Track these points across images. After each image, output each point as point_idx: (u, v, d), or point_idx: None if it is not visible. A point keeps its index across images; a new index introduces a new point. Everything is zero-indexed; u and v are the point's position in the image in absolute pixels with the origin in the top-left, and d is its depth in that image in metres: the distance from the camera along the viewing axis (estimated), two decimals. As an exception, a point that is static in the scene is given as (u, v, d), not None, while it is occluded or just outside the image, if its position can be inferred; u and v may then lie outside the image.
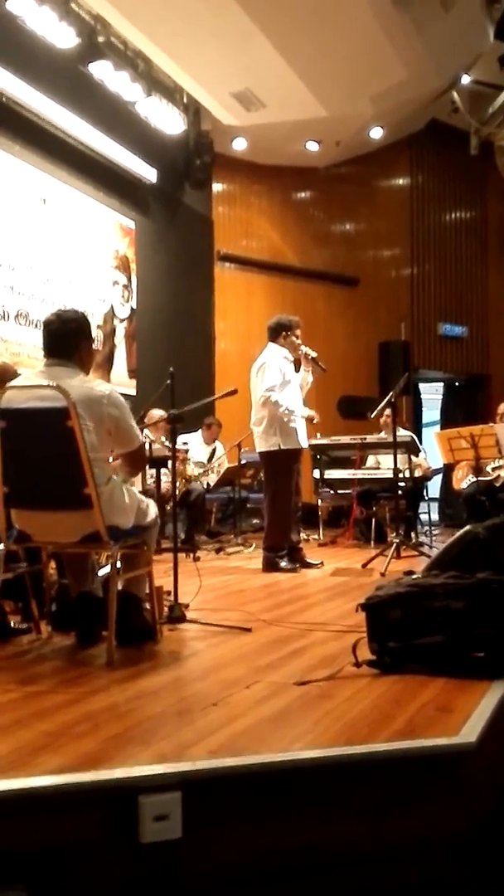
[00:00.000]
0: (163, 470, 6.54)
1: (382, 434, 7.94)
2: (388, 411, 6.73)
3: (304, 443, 6.18)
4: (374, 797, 1.99)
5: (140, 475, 6.10)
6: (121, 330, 8.73)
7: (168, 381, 4.11)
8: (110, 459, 3.33)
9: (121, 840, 1.78)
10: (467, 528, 3.19)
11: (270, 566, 5.88)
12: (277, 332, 6.05)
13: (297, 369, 6.11)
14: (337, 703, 2.45)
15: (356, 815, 1.97)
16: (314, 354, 6.06)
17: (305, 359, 6.07)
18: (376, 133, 10.83)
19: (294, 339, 6.03)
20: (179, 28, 7.79)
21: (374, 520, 8.05)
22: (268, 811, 1.91)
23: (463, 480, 7.21)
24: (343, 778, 2.00)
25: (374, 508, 8.09)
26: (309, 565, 6.04)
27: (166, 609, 3.74)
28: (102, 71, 7.84)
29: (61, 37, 7.23)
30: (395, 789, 2.00)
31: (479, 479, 6.88)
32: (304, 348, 6.04)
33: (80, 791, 1.80)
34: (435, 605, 2.77)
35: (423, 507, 8.60)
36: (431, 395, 13.49)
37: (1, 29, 6.87)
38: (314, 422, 6.07)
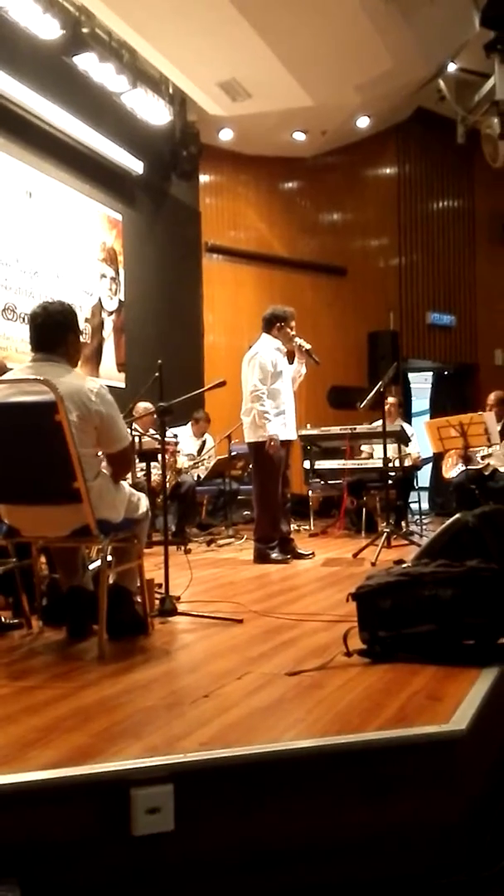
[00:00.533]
0: (153, 463, 6.54)
1: (376, 423, 7.94)
2: (391, 399, 6.75)
3: (293, 434, 6.19)
4: (366, 786, 2.00)
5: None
6: (109, 323, 8.70)
7: (157, 374, 4.10)
8: (99, 454, 3.32)
9: (113, 833, 1.78)
10: (457, 516, 3.20)
11: (261, 557, 5.89)
12: (272, 324, 6.04)
13: (291, 361, 6.11)
14: (328, 693, 2.46)
15: (348, 804, 1.98)
16: (308, 346, 6.04)
17: (299, 350, 6.06)
18: (363, 122, 10.82)
19: (288, 330, 6.03)
20: (164, 18, 7.74)
21: (364, 509, 8.06)
22: (260, 802, 1.92)
23: (452, 469, 7.23)
24: (335, 767, 2.01)
25: (364, 498, 8.10)
26: (300, 556, 6.05)
27: (157, 602, 3.74)
28: (87, 62, 7.80)
29: (45, 28, 7.18)
30: (386, 777, 2.01)
31: (469, 467, 6.90)
32: (298, 340, 6.03)
33: (72, 785, 1.81)
34: (425, 593, 2.78)
35: (413, 496, 8.62)
36: (420, 384, 13.51)
37: (-17, 20, 6.82)
38: (271, 443, 5.79)
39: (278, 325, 6.02)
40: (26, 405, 3.05)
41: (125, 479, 3.47)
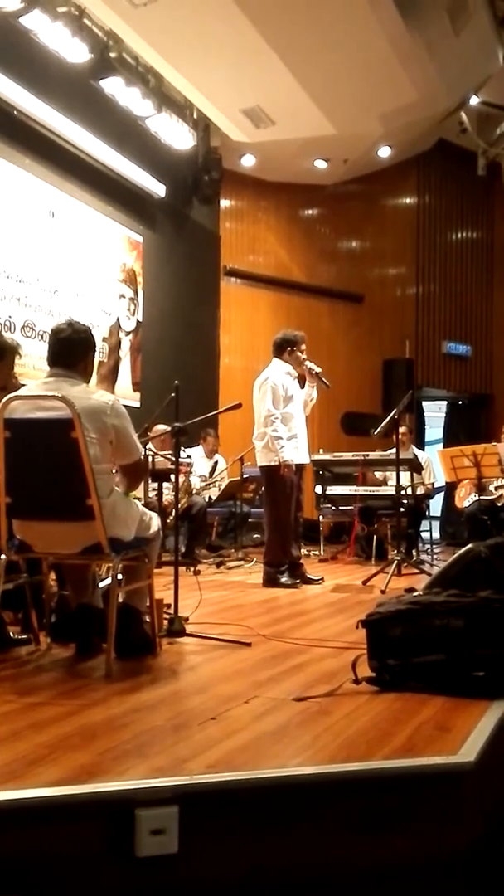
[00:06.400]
0: (165, 483, 6.54)
1: (390, 451, 7.93)
2: (402, 429, 6.78)
3: (306, 458, 6.19)
4: (372, 814, 1.98)
5: (143, 487, 6.11)
6: (126, 343, 8.76)
7: (172, 395, 4.12)
8: (113, 471, 3.33)
9: (117, 853, 1.77)
10: (469, 546, 3.19)
11: (271, 581, 5.88)
12: (282, 348, 6.07)
13: (302, 385, 6.13)
14: (336, 720, 2.44)
15: (353, 832, 1.96)
16: (318, 370, 6.07)
17: (310, 374, 6.09)
18: (384, 152, 10.90)
19: (299, 354, 6.05)
20: (191, 45, 7.86)
21: (375, 537, 8.03)
22: (265, 827, 1.90)
23: (465, 499, 7.22)
24: (341, 795, 1.99)
25: (375, 525, 8.07)
26: (309, 581, 6.03)
27: (166, 622, 3.74)
28: (114, 86, 7.91)
29: (74, 52, 7.29)
30: (392, 807, 1.99)
31: (482, 497, 6.89)
32: (308, 363, 6.05)
33: (76, 803, 1.80)
34: (435, 623, 2.76)
35: (424, 524, 8.59)
36: (434, 413, 13.50)
37: (14, 43, 6.93)
38: (284, 468, 5.81)
39: (289, 349, 6.05)
40: (43, 421, 3.07)
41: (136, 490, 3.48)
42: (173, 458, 4.54)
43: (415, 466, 7.75)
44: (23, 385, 3.79)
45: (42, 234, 7.44)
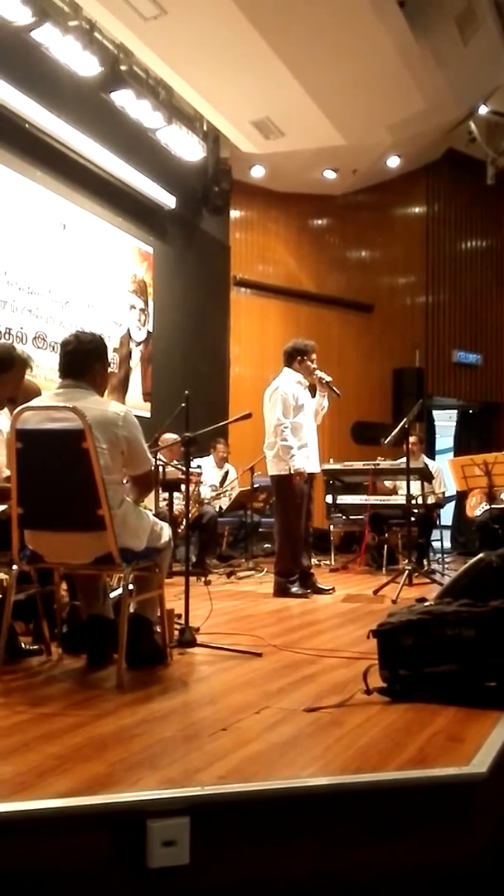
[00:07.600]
0: (175, 493, 6.55)
1: (400, 460, 7.92)
2: (412, 438, 6.76)
3: (316, 467, 6.18)
4: (384, 826, 1.97)
5: (154, 497, 6.11)
6: (137, 353, 8.79)
7: (183, 405, 4.13)
8: (124, 481, 3.34)
9: (128, 865, 1.77)
10: (480, 555, 3.18)
11: (281, 591, 5.87)
12: (293, 357, 6.08)
13: (313, 394, 6.13)
14: (347, 731, 2.44)
15: (365, 844, 1.95)
16: (329, 379, 6.07)
17: (320, 383, 6.09)
18: (393, 162, 10.93)
19: (309, 363, 6.05)
20: (200, 57, 7.91)
21: (386, 546, 8.01)
22: (276, 838, 1.90)
23: (476, 508, 7.19)
24: (353, 806, 1.99)
25: (386, 535, 8.05)
26: (320, 591, 6.02)
27: (177, 632, 3.74)
28: (124, 99, 7.96)
29: (84, 65, 7.35)
30: (404, 818, 1.99)
31: (493, 506, 6.86)
32: (318, 373, 6.06)
33: (87, 814, 1.80)
34: (447, 633, 2.75)
35: (435, 534, 8.56)
36: (445, 422, 13.47)
37: (26, 57, 6.99)
38: (297, 477, 5.82)
39: (299, 358, 6.05)
40: (55, 432, 3.09)
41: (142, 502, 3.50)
42: (183, 468, 4.55)
43: (425, 475, 7.73)
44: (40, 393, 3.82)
45: (53, 246, 7.48)
